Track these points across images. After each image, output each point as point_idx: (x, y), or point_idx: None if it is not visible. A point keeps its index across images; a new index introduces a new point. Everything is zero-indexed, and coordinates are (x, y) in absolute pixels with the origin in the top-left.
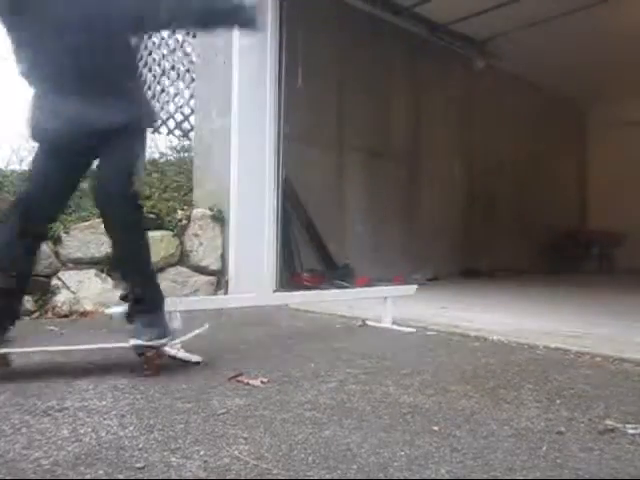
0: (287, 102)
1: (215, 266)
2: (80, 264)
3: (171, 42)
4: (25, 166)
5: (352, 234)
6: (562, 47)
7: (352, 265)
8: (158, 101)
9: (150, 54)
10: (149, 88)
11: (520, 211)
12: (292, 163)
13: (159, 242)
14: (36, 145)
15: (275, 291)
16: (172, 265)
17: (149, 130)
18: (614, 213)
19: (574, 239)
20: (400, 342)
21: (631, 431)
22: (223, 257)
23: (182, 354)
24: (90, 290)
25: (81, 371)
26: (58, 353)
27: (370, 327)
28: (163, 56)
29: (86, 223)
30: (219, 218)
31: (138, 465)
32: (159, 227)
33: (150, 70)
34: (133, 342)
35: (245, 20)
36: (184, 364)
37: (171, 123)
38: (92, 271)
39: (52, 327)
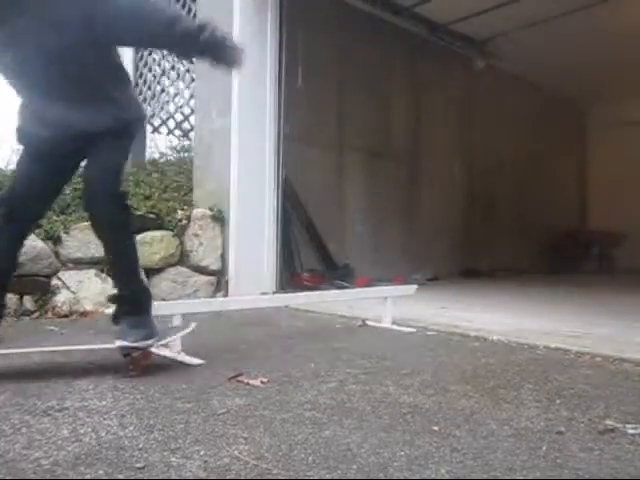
0: (287, 102)
1: (215, 266)
2: (80, 264)
3: None
4: None
5: (352, 234)
6: (562, 47)
7: (352, 265)
8: (158, 101)
9: (150, 54)
10: (149, 88)
11: (520, 211)
12: (292, 163)
13: (159, 242)
14: (21, 148)
15: (275, 292)
16: (172, 265)
17: (138, 133)
18: (614, 213)
19: (574, 239)
20: (400, 342)
21: (631, 431)
22: (223, 257)
23: (182, 357)
24: (90, 290)
25: (81, 371)
26: (58, 353)
27: (370, 327)
28: (163, 56)
29: (86, 223)
30: (219, 218)
31: (138, 465)
32: (159, 227)
33: (150, 70)
34: (119, 343)
35: (226, 58)
36: (184, 364)
37: (171, 123)
38: (92, 271)
39: (52, 327)
